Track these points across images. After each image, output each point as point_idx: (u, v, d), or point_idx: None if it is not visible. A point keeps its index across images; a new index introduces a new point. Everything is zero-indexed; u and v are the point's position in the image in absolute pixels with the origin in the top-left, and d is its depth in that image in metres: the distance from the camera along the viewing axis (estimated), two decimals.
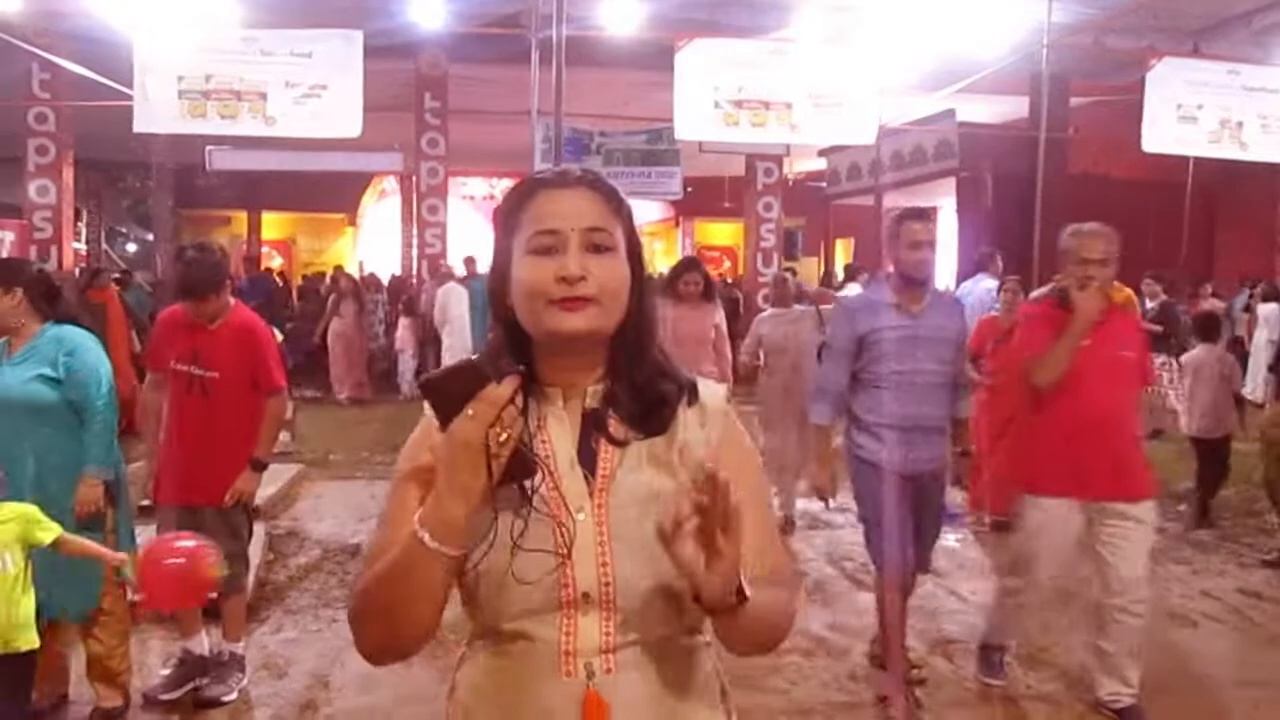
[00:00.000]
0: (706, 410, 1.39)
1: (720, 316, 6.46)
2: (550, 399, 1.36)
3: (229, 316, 4.04)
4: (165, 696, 3.98)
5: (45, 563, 3.26)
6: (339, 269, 16.28)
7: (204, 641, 4.13)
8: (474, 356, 1.22)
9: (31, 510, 3.20)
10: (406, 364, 13.11)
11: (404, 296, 13.94)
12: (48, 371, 3.54)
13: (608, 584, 1.28)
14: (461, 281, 12.18)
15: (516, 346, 1.36)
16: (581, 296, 1.28)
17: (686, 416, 1.37)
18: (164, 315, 4.22)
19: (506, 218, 1.37)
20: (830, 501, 4.87)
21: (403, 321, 13.19)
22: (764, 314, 7.07)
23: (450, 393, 1.18)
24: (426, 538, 1.18)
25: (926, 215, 4.03)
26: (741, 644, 1.32)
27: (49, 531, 3.18)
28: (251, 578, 5.21)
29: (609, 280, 1.31)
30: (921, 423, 3.97)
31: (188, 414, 3.98)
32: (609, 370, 1.37)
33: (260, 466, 4.10)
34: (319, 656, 4.49)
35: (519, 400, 1.18)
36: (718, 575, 1.16)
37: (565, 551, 1.26)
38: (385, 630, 1.28)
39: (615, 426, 1.34)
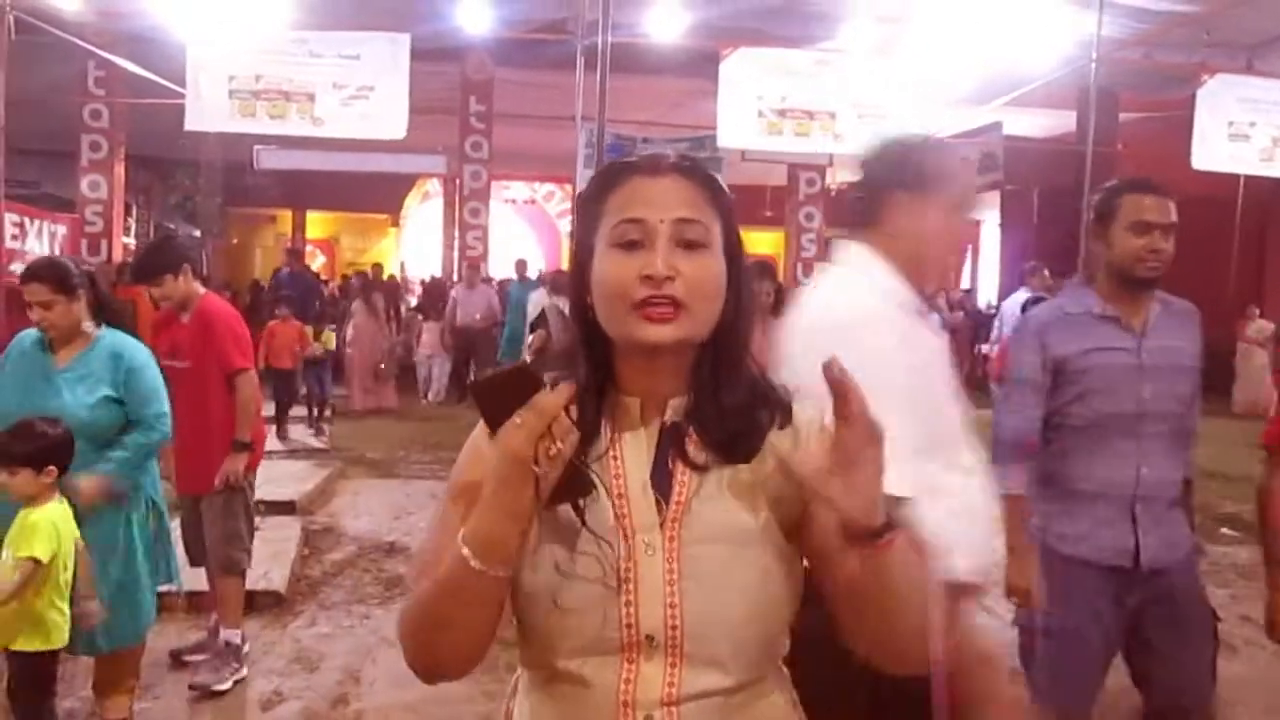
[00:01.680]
0: (800, 434, 1.21)
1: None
2: (627, 410, 1.22)
3: (197, 306, 4.08)
4: (218, 687, 4.01)
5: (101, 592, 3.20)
6: (359, 270, 16.02)
7: (236, 634, 4.18)
8: (527, 360, 1.15)
9: (41, 518, 3.02)
10: (433, 371, 12.59)
11: (435, 301, 13.33)
12: (111, 393, 3.30)
13: (675, 627, 1.13)
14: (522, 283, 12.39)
15: (593, 349, 1.21)
16: (668, 299, 1.13)
17: (776, 438, 1.21)
18: (155, 317, 4.36)
19: (588, 205, 1.23)
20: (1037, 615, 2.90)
21: (428, 326, 12.68)
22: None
23: (500, 399, 1.07)
24: (470, 557, 1.06)
25: (1158, 188, 2.73)
26: (877, 621, 1.15)
27: (27, 546, 2.96)
28: (287, 572, 5.29)
29: (701, 281, 1.15)
30: (1154, 491, 2.69)
31: (178, 407, 3.83)
32: (695, 381, 1.21)
33: (241, 447, 4.11)
34: (351, 652, 4.52)
35: (573, 411, 1.08)
36: (860, 491, 1.04)
37: (621, 579, 1.14)
38: (434, 649, 1.17)
39: (695, 449, 1.19)
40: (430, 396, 12.49)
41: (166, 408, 3.48)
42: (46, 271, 3.33)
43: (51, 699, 3.17)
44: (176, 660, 4.22)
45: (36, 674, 3.09)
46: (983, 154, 14.68)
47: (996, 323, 9.04)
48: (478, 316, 12.24)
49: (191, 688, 3.97)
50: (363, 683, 4.23)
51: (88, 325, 3.37)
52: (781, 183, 15.90)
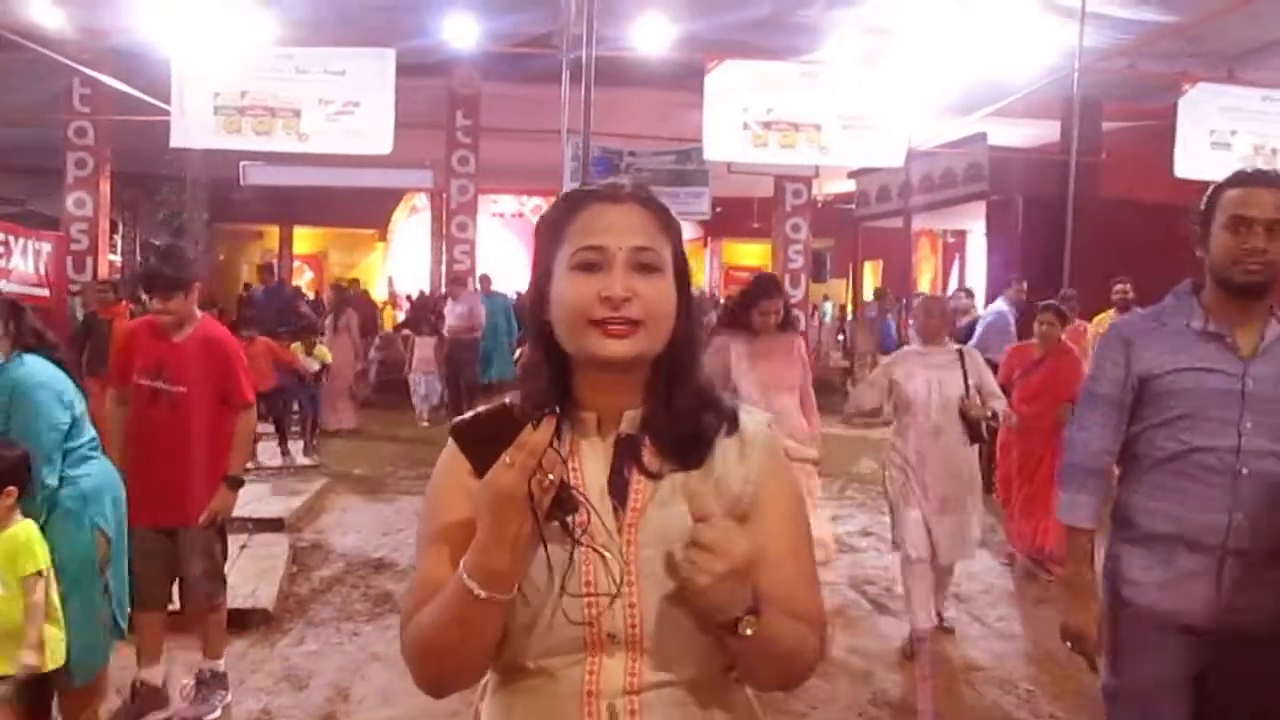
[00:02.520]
0: (746, 441, 1.32)
1: (803, 350, 5.08)
2: (584, 424, 1.30)
3: (196, 328, 3.86)
4: None
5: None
6: (336, 284, 14.84)
7: (160, 673, 3.96)
8: (508, 400, 1.17)
9: (22, 533, 3.03)
10: (424, 388, 11.99)
11: (428, 315, 12.87)
12: None
13: (634, 625, 1.22)
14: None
15: (552, 365, 1.29)
16: (625, 319, 1.22)
17: (725, 448, 1.30)
18: (129, 328, 4.03)
19: (550, 229, 1.31)
20: (1101, 673, 2.52)
21: (421, 341, 12.07)
22: (900, 352, 5.20)
23: (484, 439, 1.12)
24: (476, 589, 1.13)
25: (1266, 178, 2.35)
26: (758, 673, 1.29)
27: (32, 561, 3.01)
28: (275, 590, 5.26)
29: (655, 303, 1.24)
30: (1250, 542, 2.24)
31: (153, 431, 3.79)
32: (648, 395, 1.29)
33: (236, 484, 3.97)
34: (340, 669, 4.50)
35: (556, 443, 1.13)
36: (711, 594, 1.13)
37: (578, 588, 1.22)
38: (444, 671, 1.25)
39: (650, 458, 1.27)
40: (425, 416, 11.88)
41: (53, 429, 3.22)
42: None
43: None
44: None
45: (37, 694, 3.10)
46: (968, 164, 14.77)
47: (979, 330, 8.89)
48: (459, 324, 11.91)
49: None
50: (352, 700, 4.21)
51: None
52: (768, 194, 15.93)
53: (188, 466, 3.78)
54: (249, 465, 7.40)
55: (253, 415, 4.03)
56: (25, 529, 3.04)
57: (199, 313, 3.95)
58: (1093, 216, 10.59)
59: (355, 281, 17.08)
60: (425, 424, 11.63)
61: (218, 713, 3.97)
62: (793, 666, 1.28)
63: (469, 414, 1.14)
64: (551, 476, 1.10)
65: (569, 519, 1.18)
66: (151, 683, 3.92)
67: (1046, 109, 12.16)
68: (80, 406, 3.38)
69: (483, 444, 1.12)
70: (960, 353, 4.89)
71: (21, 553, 2.99)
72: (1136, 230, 10.58)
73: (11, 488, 3.02)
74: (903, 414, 4.80)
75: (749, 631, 1.16)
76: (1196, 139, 9.92)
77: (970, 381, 4.75)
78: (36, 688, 3.11)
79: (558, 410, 1.16)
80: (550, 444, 1.10)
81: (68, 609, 3.16)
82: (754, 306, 4.86)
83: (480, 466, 1.13)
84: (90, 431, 3.43)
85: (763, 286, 5.04)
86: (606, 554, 1.22)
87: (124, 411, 3.92)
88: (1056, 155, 12.44)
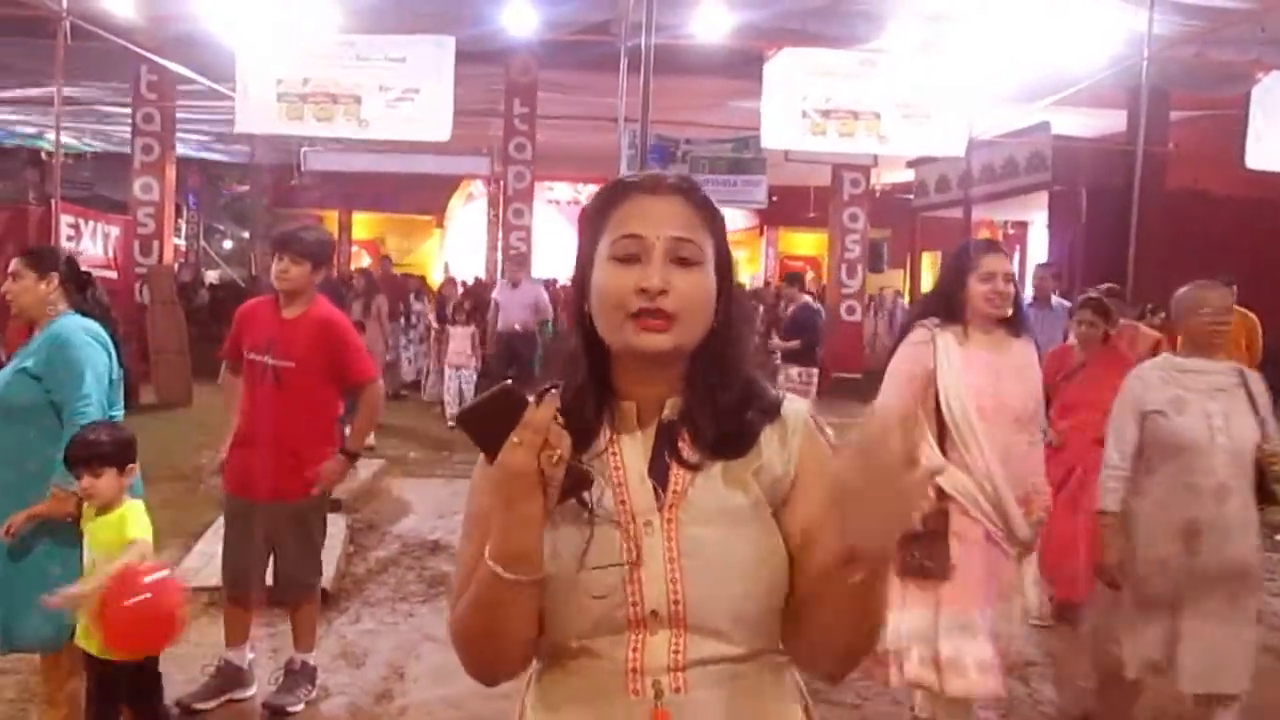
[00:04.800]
0: (788, 426, 1.31)
1: (1037, 363, 3.43)
2: (624, 413, 1.30)
3: (309, 308, 3.88)
4: (199, 706, 3.80)
5: (3, 589, 3.18)
6: (361, 269, 13.99)
7: (246, 655, 3.98)
8: (508, 382, 1.19)
9: (130, 511, 3.11)
10: (458, 384, 10.56)
11: (465, 303, 11.19)
12: (29, 366, 3.26)
13: (677, 602, 1.22)
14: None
15: (592, 354, 1.31)
16: (661, 311, 1.22)
17: (768, 434, 1.30)
18: (244, 307, 4.08)
19: (592, 219, 1.32)
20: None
21: (458, 332, 10.65)
22: (1151, 368, 3.52)
23: (491, 423, 1.15)
24: (501, 572, 1.16)
25: None
26: (834, 634, 1.23)
27: (135, 532, 3.06)
28: (333, 569, 5.35)
29: (692, 296, 1.25)
30: None
31: (260, 405, 3.82)
32: (688, 386, 1.30)
33: (352, 456, 4.02)
34: (395, 648, 4.57)
35: (560, 417, 1.15)
36: (880, 522, 1.06)
37: (634, 558, 1.22)
38: (487, 657, 1.28)
39: (688, 449, 1.27)
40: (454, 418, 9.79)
41: (91, 388, 3.25)
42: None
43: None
44: (184, 711, 3.77)
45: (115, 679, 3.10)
46: (1030, 154, 14.52)
47: None
48: (521, 320, 10.47)
49: (265, 706, 3.88)
50: (407, 678, 4.27)
51: (60, 307, 3.39)
52: (825, 183, 15.82)
53: (288, 443, 3.80)
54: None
55: (377, 389, 4.03)
56: (134, 507, 3.13)
57: (316, 294, 3.96)
58: (1159, 209, 10.37)
59: (386, 259, 15.80)
60: (452, 425, 10.24)
61: (300, 706, 3.91)
62: (871, 628, 1.24)
63: (472, 402, 1.17)
64: (560, 451, 1.13)
65: (585, 494, 1.21)
66: (235, 663, 3.94)
67: (1112, 98, 11.90)
68: (113, 385, 3.42)
69: (491, 429, 1.15)
70: (1242, 372, 3.43)
71: (130, 528, 3.06)
72: (1204, 223, 10.37)
73: (132, 465, 3.11)
74: (1161, 463, 3.36)
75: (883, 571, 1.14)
76: (1269, 129, 9.65)
77: (1260, 415, 3.34)
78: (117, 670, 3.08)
79: (556, 386, 1.20)
80: (554, 419, 1.13)
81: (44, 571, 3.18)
82: (969, 272, 3.24)
83: (491, 451, 1.15)
84: (116, 411, 3.45)
85: (982, 246, 3.50)
86: (637, 527, 1.23)
87: (234, 381, 4.00)
88: (1122, 145, 12.19)
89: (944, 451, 3.17)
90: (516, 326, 10.40)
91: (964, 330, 3.25)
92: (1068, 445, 4.93)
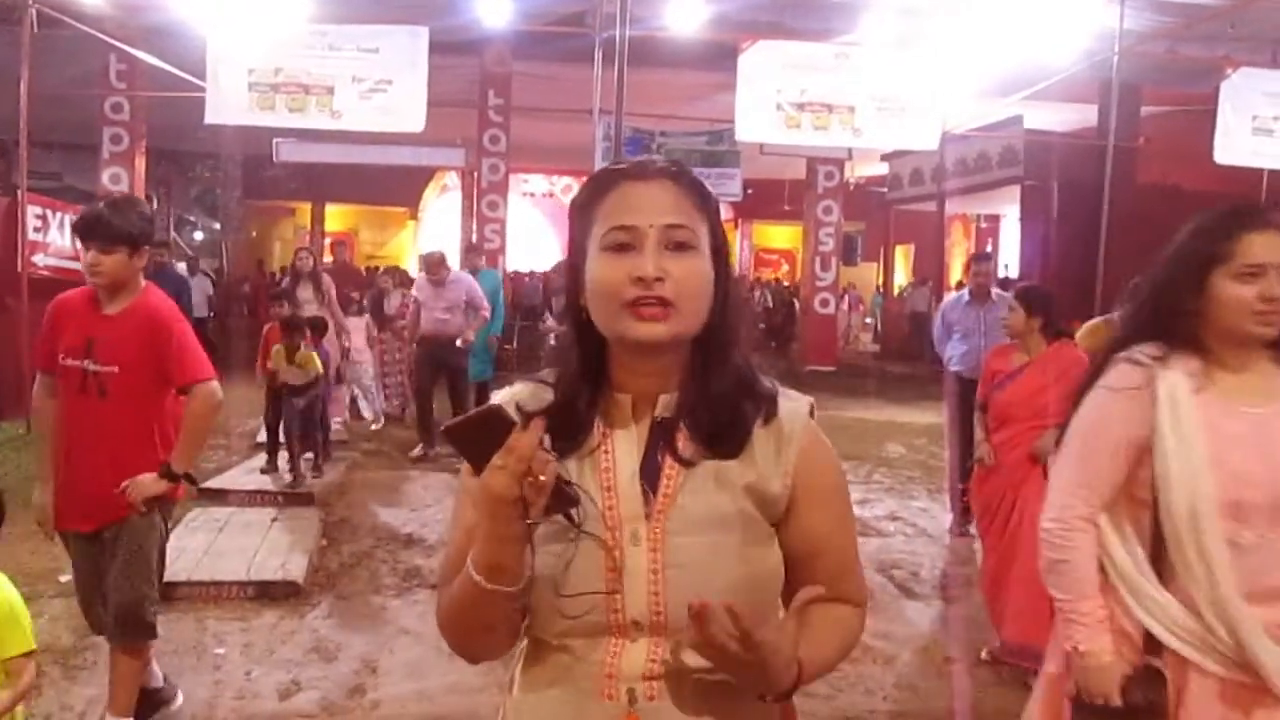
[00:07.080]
0: (783, 432, 1.28)
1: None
2: (619, 406, 1.28)
3: (134, 301, 3.22)
4: None
5: None
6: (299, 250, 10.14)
7: (156, 673, 3.56)
8: (495, 402, 1.19)
9: None
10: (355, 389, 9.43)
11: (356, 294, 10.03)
12: None
13: (659, 612, 1.22)
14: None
15: (586, 347, 1.28)
16: (658, 299, 1.19)
17: (762, 441, 1.27)
18: (55, 303, 3.31)
19: (582, 210, 1.29)
20: None
21: (355, 323, 9.29)
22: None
23: (476, 441, 1.14)
24: (483, 582, 1.17)
25: None
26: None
27: None
28: (305, 563, 5.32)
29: (689, 282, 1.22)
30: None
31: (81, 420, 3.18)
32: (685, 377, 1.27)
33: (170, 476, 3.20)
34: (368, 642, 4.54)
35: (547, 441, 1.13)
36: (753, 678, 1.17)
37: (617, 585, 1.22)
38: (470, 646, 1.32)
39: (684, 444, 1.25)
40: (369, 419, 9.58)
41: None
42: None
43: None
44: None
45: None
46: (1003, 148, 14.63)
47: (938, 321, 7.01)
48: (445, 323, 8.18)
49: None
50: (379, 673, 4.24)
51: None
52: (800, 176, 15.86)
53: (116, 459, 3.17)
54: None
55: (207, 393, 3.24)
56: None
57: (142, 281, 3.28)
58: (1129, 203, 10.47)
59: (342, 244, 15.32)
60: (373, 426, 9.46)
61: None
62: (839, 659, 1.33)
63: (459, 417, 1.16)
64: (544, 478, 1.11)
65: (572, 512, 1.18)
66: (152, 686, 3.50)
67: (1084, 93, 12.02)
68: None
69: (476, 446, 1.14)
70: None
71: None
72: (1174, 217, 10.41)
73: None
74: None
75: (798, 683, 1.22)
76: (1238, 125, 9.78)
77: None
78: None
79: (543, 413, 1.20)
80: (540, 444, 1.11)
81: None
82: (1218, 263, 1.97)
83: (477, 464, 1.15)
84: None
85: (1243, 217, 2.09)
86: (617, 547, 1.23)
87: (49, 401, 3.30)
88: (1093, 140, 12.29)
89: (1160, 574, 1.91)
90: (442, 330, 8.17)
91: (1204, 365, 1.93)
92: (1000, 466, 4.42)
